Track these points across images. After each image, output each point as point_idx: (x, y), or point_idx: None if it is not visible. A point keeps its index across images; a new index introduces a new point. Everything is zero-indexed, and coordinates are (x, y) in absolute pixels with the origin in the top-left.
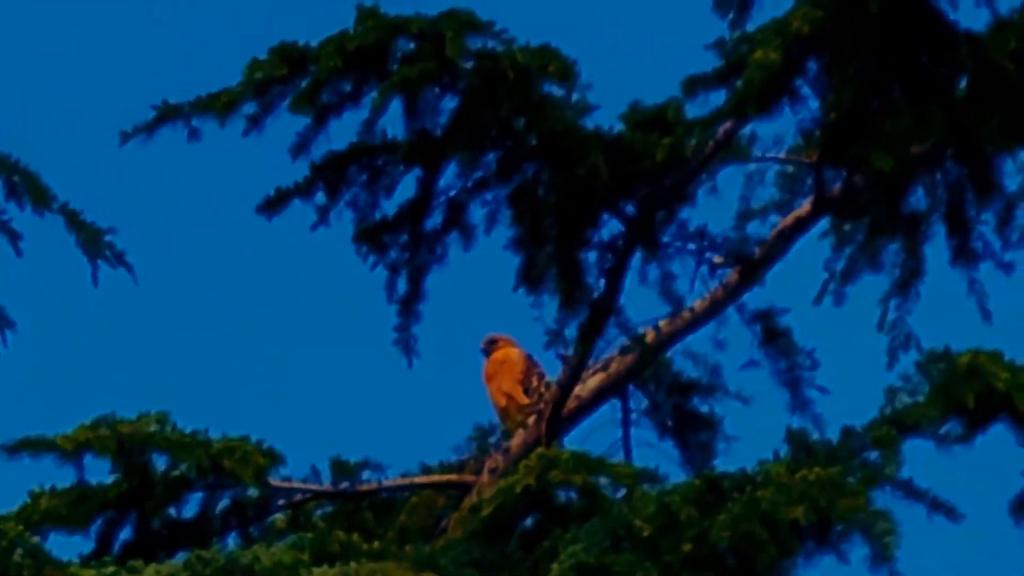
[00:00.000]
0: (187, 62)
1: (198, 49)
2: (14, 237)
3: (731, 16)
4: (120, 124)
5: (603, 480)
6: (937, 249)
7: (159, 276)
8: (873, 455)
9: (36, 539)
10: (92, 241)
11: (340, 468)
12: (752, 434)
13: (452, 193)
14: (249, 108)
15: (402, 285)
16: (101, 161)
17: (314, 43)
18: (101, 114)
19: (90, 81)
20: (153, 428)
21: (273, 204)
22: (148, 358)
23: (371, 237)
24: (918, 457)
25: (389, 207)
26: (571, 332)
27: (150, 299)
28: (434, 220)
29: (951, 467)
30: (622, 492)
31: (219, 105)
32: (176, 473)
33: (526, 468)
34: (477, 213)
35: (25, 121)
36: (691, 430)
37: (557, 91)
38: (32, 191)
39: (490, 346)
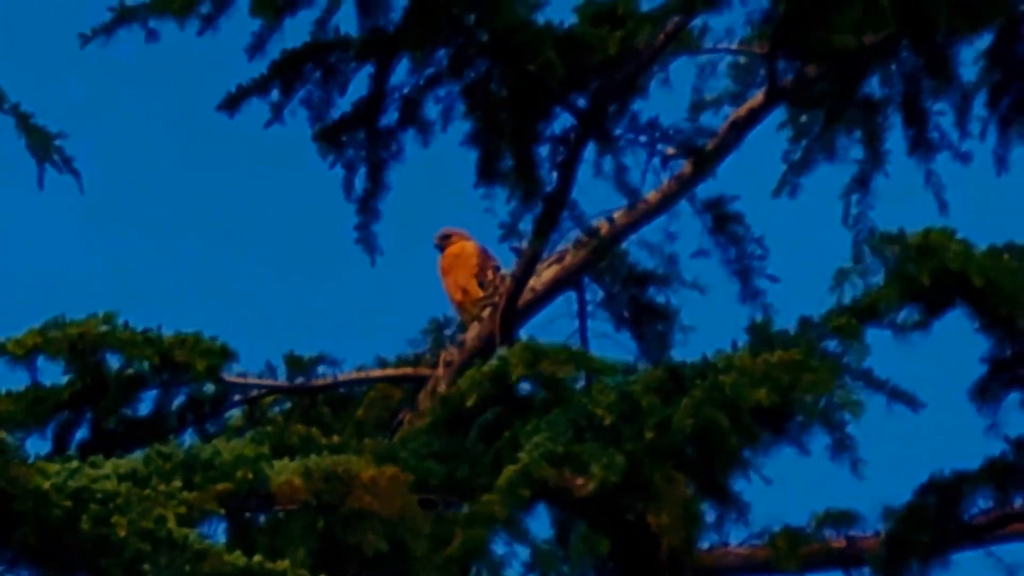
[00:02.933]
0: None
1: None
2: None
3: None
4: (77, 24)
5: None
6: (895, 142)
7: (114, 177)
8: (832, 344)
9: (3, 435)
10: (41, 144)
11: (295, 363)
12: (708, 325)
13: (406, 90)
14: (204, 8)
15: (359, 183)
16: (60, 63)
17: None
18: (60, 15)
19: None
20: (103, 328)
21: (233, 101)
22: (100, 259)
23: (329, 136)
24: (876, 347)
25: (343, 104)
26: (526, 225)
27: (104, 198)
28: (390, 117)
29: (910, 355)
30: (581, 383)
31: (175, 6)
32: (130, 372)
33: (515, 357)
34: (432, 110)
35: None
36: (647, 321)
37: None
38: None
39: (444, 240)
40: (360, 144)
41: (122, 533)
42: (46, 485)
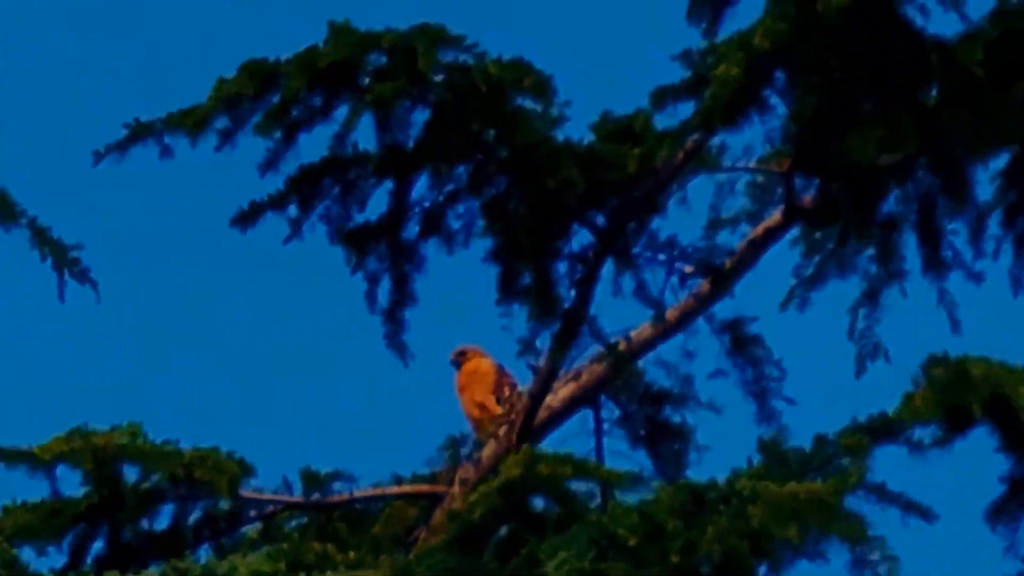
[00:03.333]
0: (156, 79)
1: (167, 65)
2: None
3: (703, 26)
4: (91, 139)
5: (580, 489)
6: (908, 259)
7: (132, 289)
8: (845, 462)
9: (13, 551)
10: (58, 257)
11: (311, 479)
12: (724, 444)
13: (426, 204)
14: (221, 123)
15: (382, 295)
16: (74, 177)
17: (284, 57)
18: (73, 130)
19: (61, 98)
20: (125, 440)
21: (247, 217)
22: (119, 370)
23: (355, 240)
24: (889, 462)
25: (362, 219)
26: (543, 341)
27: (122, 312)
28: (411, 230)
29: (927, 472)
30: (596, 502)
31: (190, 122)
32: (148, 485)
33: (513, 461)
34: (453, 223)
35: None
36: (663, 440)
37: (530, 104)
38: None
39: (459, 357)
40: (383, 256)
41: None
42: None
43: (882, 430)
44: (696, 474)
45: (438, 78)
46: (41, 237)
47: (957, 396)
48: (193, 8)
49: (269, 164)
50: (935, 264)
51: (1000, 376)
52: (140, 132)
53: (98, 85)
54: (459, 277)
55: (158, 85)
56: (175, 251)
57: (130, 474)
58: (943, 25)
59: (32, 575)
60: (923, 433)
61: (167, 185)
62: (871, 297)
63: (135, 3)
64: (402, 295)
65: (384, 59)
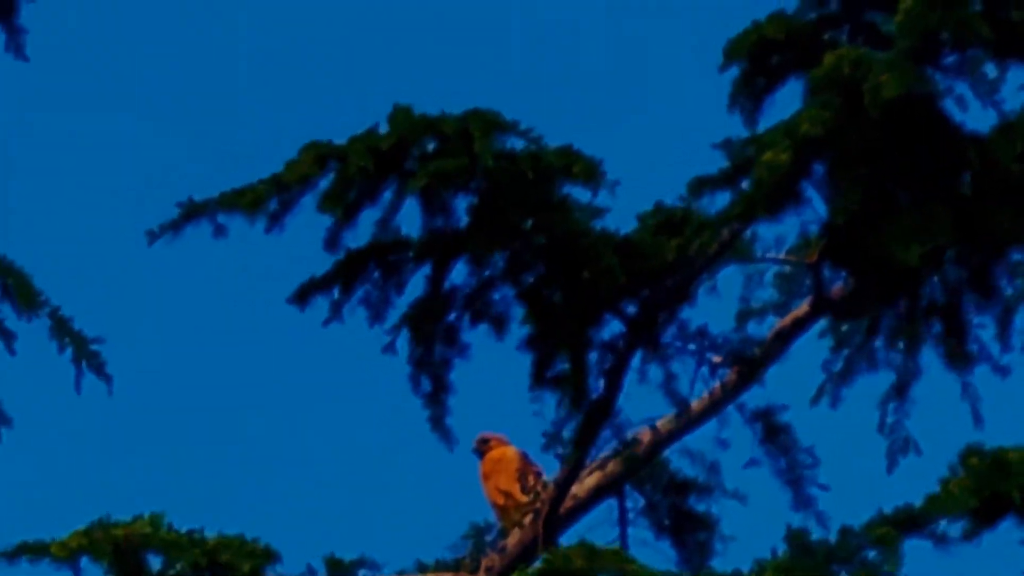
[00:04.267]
0: (181, 161)
1: (196, 146)
2: (8, 337)
3: (744, 115)
4: (109, 224)
5: None
6: (932, 352)
7: (152, 372)
8: (871, 554)
9: None
10: (78, 349)
11: (335, 566)
12: (749, 533)
13: (466, 292)
14: (272, 205)
15: (425, 380)
16: (100, 262)
17: (337, 141)
18: (105, 213)
19: (102, 180)
20: (148, 530)
21: (303, 295)
22: (142, 455)
23: (411, 322)
24: (918, 555)
25: (401, 304)
26: (568, 431)
27: (144, 397)
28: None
29: (952, 565)
30: None
31: (245, 203)
32: (172, 573)
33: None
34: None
35: (36, 219)
36: (688, 530)
37: (578, 192)
38: (21, 294)
39: (482, 446)
40: (428, 340)
41: None
42: None
43: (908, 522)
44: (721, 564)
45: (490, 163)
46: (60, 328)
47: (994, 483)
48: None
49: (331, 243)
50: (961, 357)
51: None
52: (194, 211)
53: (138, 168)
54: (485, 365)
55: (178, 172)
56: (195, 338)
57: (154, 564)
58: (981, 118)
59: None
60: (951, 527)
61: (192, 269)
62: (900, 391)
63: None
64: (439, 383)
65: (433, 144)
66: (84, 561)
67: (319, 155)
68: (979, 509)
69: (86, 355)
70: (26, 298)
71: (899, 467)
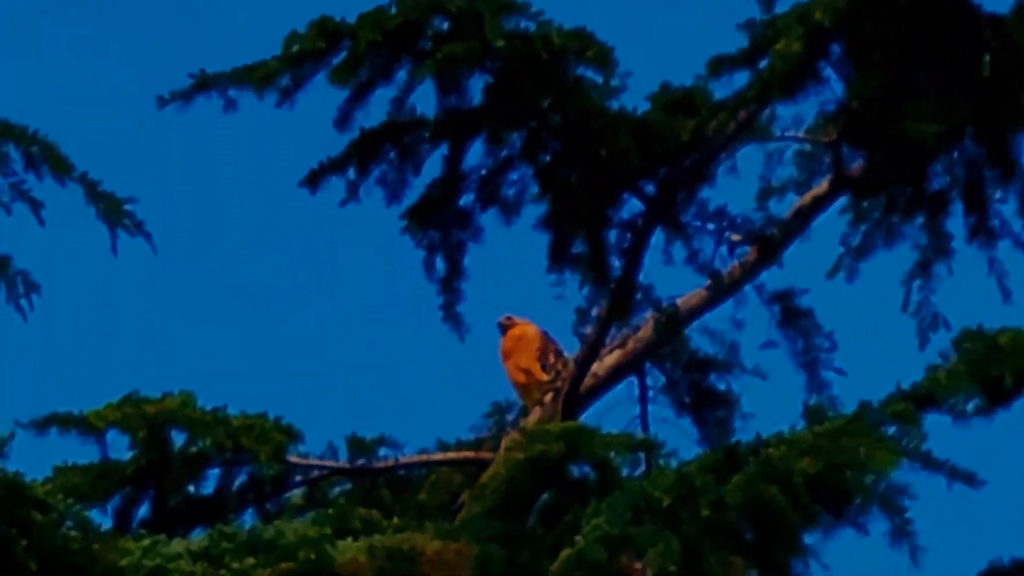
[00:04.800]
0: (210, 34)
1: (220, 22)
2: (35, 206)
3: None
4: (143, 95)
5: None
6: (956, 228)
7: (182, 248)
8: (891, 429)
9: (85, 513)
10: (112, 211)
11: (357, 445)
12: (769, 411)
13: (483, 172)
14: (284, 81)
15: (440, 263)
16: (124, 132)
17: (350, 20)
18: (129, 85)
19: (115, 51)
20: (176, 407)
21: (315, 178)
22: (167, 330)
23: (418, 216)
24: (935, 431)
25: (418, 185)
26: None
27: (172, 271)
28: (467, 198)
29: (969, 441)
30: (641, 469)
31: (256, 77)
32: (194, 449)
33: (555, 434)
34: (508, 191)
35: (54, 91)
36: (708, 407)
37: (591, 74)
38: (51, 161)
39: (506, 322)
40: (440, 225)
41: None
42: (123, 563)
43: (926, 399)
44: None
45: (501, 44)
46: (93, 192)
47: (988, 368)
48: None
49: (342, 121)
50: (983, 232)
51: None
52: (205, 83)
53: (149, 46)
54: (507, 246)
55: (214, 45)
56: (227, 215)
57: (178, 440)
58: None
59: (103, 535)
60: (965, 404)
61: (218, 144)
62: (924, 268)
63: None
64: (454, 267)
65: (446, 24)
66: (111, 434)
67: (327, 30)
68: (982, 391)
69: (121, 216)
70: (57, 164)
71: (932, 345)
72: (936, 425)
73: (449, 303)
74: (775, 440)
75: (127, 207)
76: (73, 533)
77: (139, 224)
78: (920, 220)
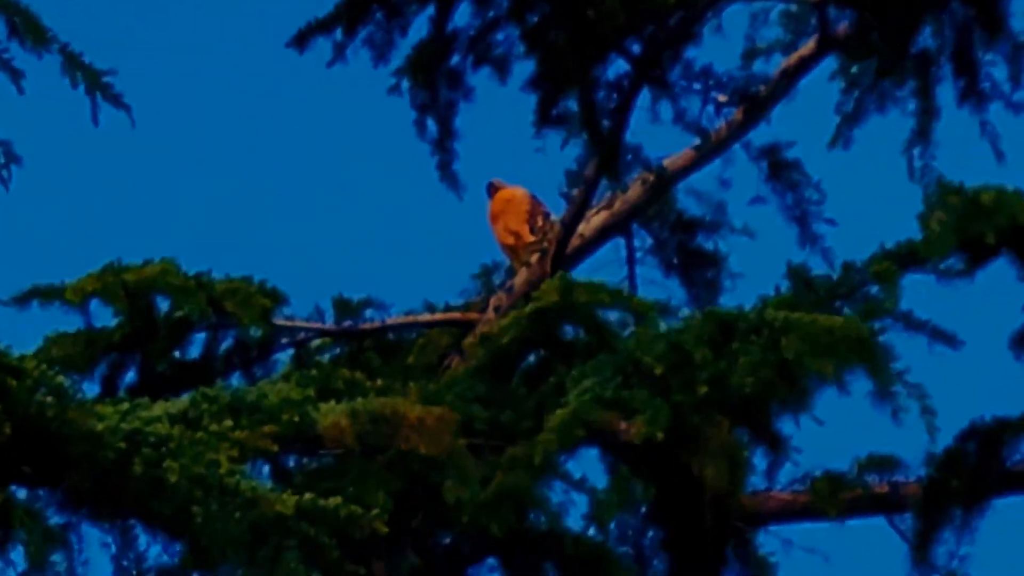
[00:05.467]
0: None
1: None
2: (15, 75)
3: None
4: None
5: (612, 319)
6: (949, 93)
7: (165, 111)
8: (874, 289)
9: (61, 378)
10: (91, 81)
11: (343, 307)
12: (757, 270)
13: (471, 33)
14: None
15: (432, 124)
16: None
17: None
18: None
19: None
20: (157, 274)
21: (302, 38)
22: (150, 197)
23: (413, 71)
24: (917, 293)
25: (404, 47)
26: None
27: (153, 137)
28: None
29: (951, 302)
30: (628, 331)
31: None
32: (179, 314)
33: (549, 287)
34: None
35: None
36: (696, 267)
37: None
38: (32, 31)
39: (493, 188)
40: (431, 84)
41: (173, 478)
42: (100, 427)
43: (909, 257)
44: (729, 300)
45: None
46: (73, 62)
47: (971, 226)
48: None
49: None
50: (973, 95)
51: (1012, 204)
52: None
53: None
54: (496, 109)
55: None
56: (212, 76)
57: (163, 307)
58: None
59: (78, 401)
60: (948, 263)
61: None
62: (922, 135)
63: None
64: (445, 127)
65: None
66: (94, 305)
67: None
68: (964, 249)
69: (100, 87)
70: (35, 34)
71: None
72: (920, 285)
73: (444, 163)
74: (781, 323)
75: (106, 79)
76: (48, 399)
77: (118, 96)
78: (912, 85)
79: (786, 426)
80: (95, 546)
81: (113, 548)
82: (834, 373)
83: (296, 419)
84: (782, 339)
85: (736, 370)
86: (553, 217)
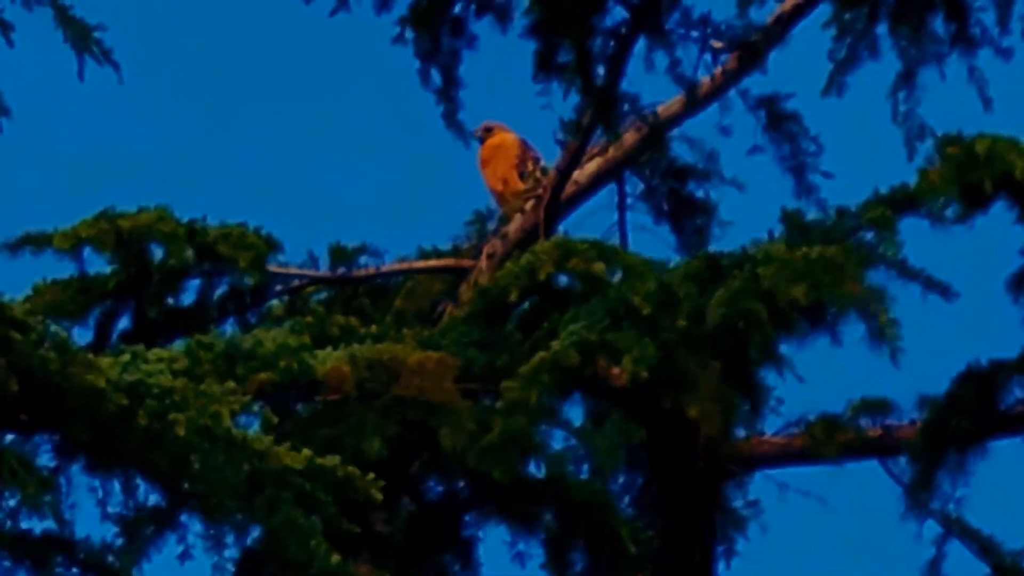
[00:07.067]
0: None
1: None
2: (5, 27)
3: None
4: None
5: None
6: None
7: (161, 60)
8: (868, 235)
9: (64, 333)
10: (80, 37)
11: (337, 253)
12: (747, 220)
13: None
14: None
15: (436, 73)
16: None
17: None
18: None
19: None
20: (151, 221)
21: None
22: (144, 145)
23: (420, 20)
24: (911, 237)
25: None
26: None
27: (146, 85)
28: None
29: (947, 246)
30: (618, 274)
31: None
32: (173, 262)
33: (545, 255)
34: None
35: None
36: (687, 214)
37: None
38: None
39: (485, 133)
40: (434, 32)
41: (181, 432)
42: (101, 382)
43: (904, 202)
44: (719, 248)
45: None
46: (63, 16)
47: (969, 173)
48: None
49: None
50: (963, 40)
51: (1004, 152)
52: None
53: None
54: (495, 55)
55: None
56: (210, 25)
57: (157, 254)
58: None
59: (81, 356)
60: (944, 208)
61: None
62: (908, 78)
63: None
64: (451, 75)
65: None
66: (87, 252)
67: None
68: (963, 196)
69: (89, 43)
70: None
71: (919, 154)
72: (915, 230)
73: (450, 112)
74: (761, 255)
75: (96, 34)
76: (52, 354)
77: (107, 52)
78: (903, 31)
79: (770, 376)
80: (83, 490)
81: (100, 493)
82: (806, 297)
83: (294, 366)
84: (760, 268)
85: (713, 301)
86: (544, 163)
